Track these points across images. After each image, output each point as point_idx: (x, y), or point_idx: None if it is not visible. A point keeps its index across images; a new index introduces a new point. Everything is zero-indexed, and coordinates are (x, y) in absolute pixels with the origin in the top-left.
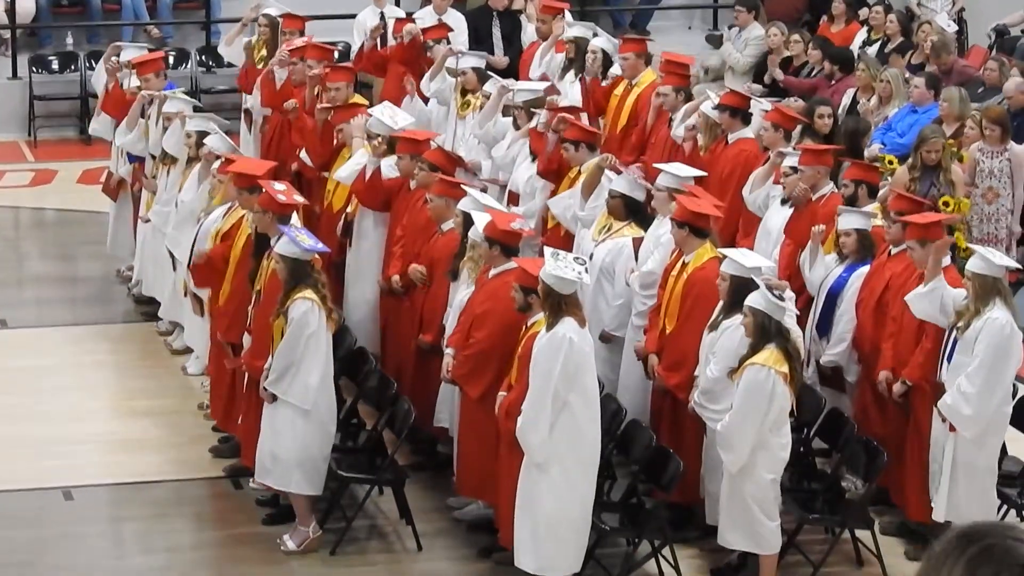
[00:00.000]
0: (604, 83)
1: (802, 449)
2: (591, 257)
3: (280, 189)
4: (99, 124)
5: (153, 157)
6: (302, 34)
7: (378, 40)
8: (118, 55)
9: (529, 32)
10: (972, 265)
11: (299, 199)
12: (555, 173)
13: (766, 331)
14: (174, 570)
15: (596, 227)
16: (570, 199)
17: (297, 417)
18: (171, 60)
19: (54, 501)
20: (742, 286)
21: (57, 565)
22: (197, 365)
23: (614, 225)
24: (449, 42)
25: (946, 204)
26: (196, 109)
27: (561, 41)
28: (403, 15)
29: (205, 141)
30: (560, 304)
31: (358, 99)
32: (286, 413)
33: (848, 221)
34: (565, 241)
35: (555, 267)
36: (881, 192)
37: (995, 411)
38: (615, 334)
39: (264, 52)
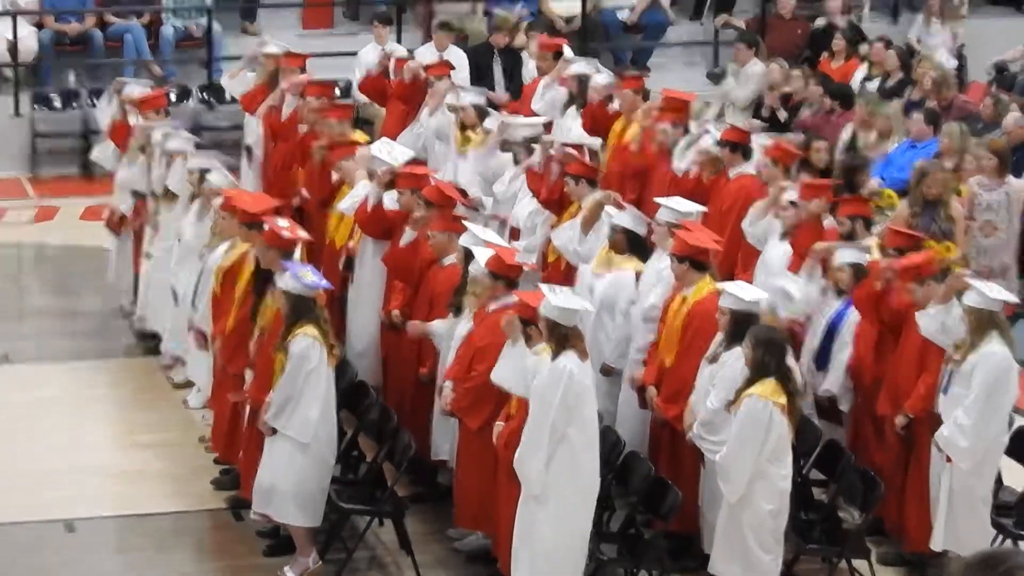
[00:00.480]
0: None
1: (800, 479)
2: (591, 291)
3: (284, 225)
4: (101, 152)
5: (155, 194)
6: (303, 71)
7: (387, 67)
8: (120, 91)
9: (530, 68)
10: (968, 299)
11: (303, 235)
12: (557, 204)
13: (767, 365)
14: None
15: (596, 261)
16: (571, 231)
17: (296, 450)
18: (173, 97)
19: (56, 533)
20: (742, 319)
21: None
22: (198, 399)
23: (614, 259)
24: (451, 79)
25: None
26: (197, 146)
27: (564, 77)
28: (404, 52)
29: (207, 178)
30: (566, 336)
31: (357, 136)
32: (285, 446)
33: (843, 256)
34: (566, 275)
35: (557, 299)
36: (881, 228)
37: (991, 443)
38: (615, 367)
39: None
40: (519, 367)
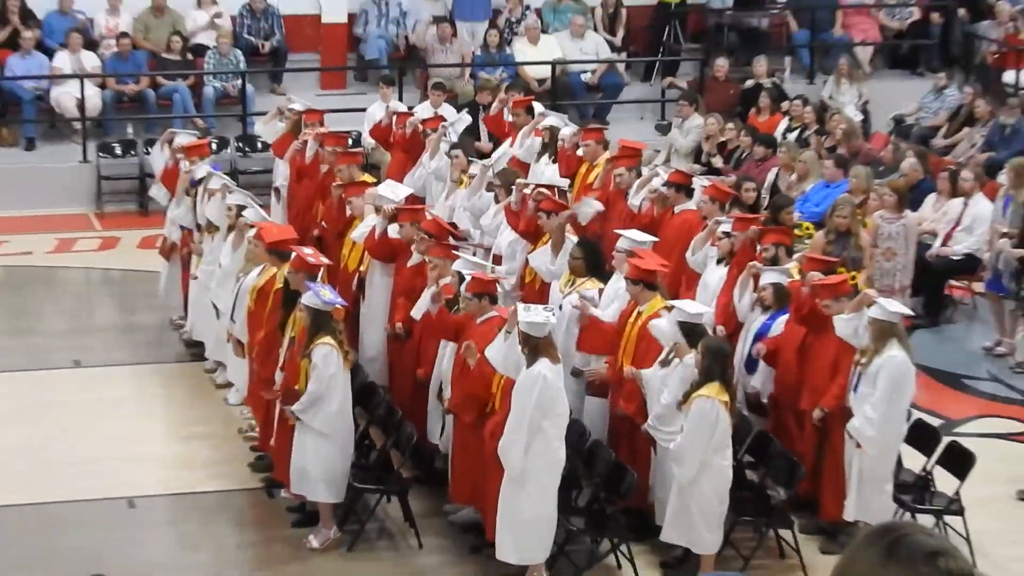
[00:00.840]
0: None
1: (736, 463)
2: (560, 307)
3: (309, 253)
4: (156, 191)
5: (199, 226)
6: (321, 124)
7: (392, 120)
8: (171, 141)
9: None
10: (872, 312)
11: (325, 260)
12: (532, 235)
13: (713, 370)
14: (219, 566)
15: (562, 281)
16: (544, 255)
17: (321, 440)
18: (214, 146)
19: (119, 509)
20: (689, 330)
21: (122, 562)
22: (237, 397)
23: (577, 280)
24: (445, 130)
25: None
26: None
27: (538, 129)
28: (405, 108)
29: (243, 213)
30: (537, 346)
31: (366, 178)
32: (313, 437)
33: (767, 277)
34: (540, 293)
35: (528, 316)
36: (800, 255)
37: (893, 432)
38: (583, 370)
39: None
40: (511, 354)
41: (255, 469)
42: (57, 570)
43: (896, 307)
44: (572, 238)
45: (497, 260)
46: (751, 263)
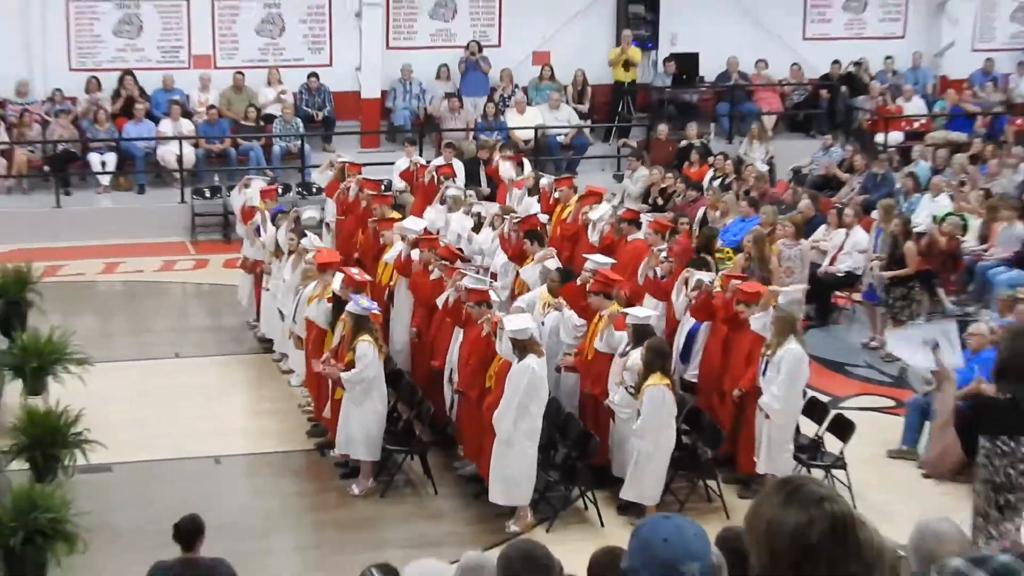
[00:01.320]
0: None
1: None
2: (543, 323)
3: (356, 272)
4: (240, 229)
5: (269, 250)
6: (360, 173)
7: (415, 169)
8: (247, 186)
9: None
10: (776, 312)
11: (367, 278)
12: (519, 257)
13: (655, 364)
14: (284, 509)
15: (539, 304)
16: (533, 271)
17: (363, 412)
18: (280, 190)
19: (209, 465)
20: (640, 330)
21: (210, 506)
22: (297, 380)
23: (550, 299)
24: (455, 177)
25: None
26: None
27: (520, 180)
28: (424, 162)
29: (301, 241)
30: (524, 346)
31: (394, 215)
32: (356, 409)
33: (695, 280)
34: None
35: (511, 324)
36: (721, 273)
37: (793, 407)
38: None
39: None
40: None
41: (311, 435)
42: (160, 512)
43: (788, 296)
44: (549, 265)
45: (494, 276)
46: (685, 268)
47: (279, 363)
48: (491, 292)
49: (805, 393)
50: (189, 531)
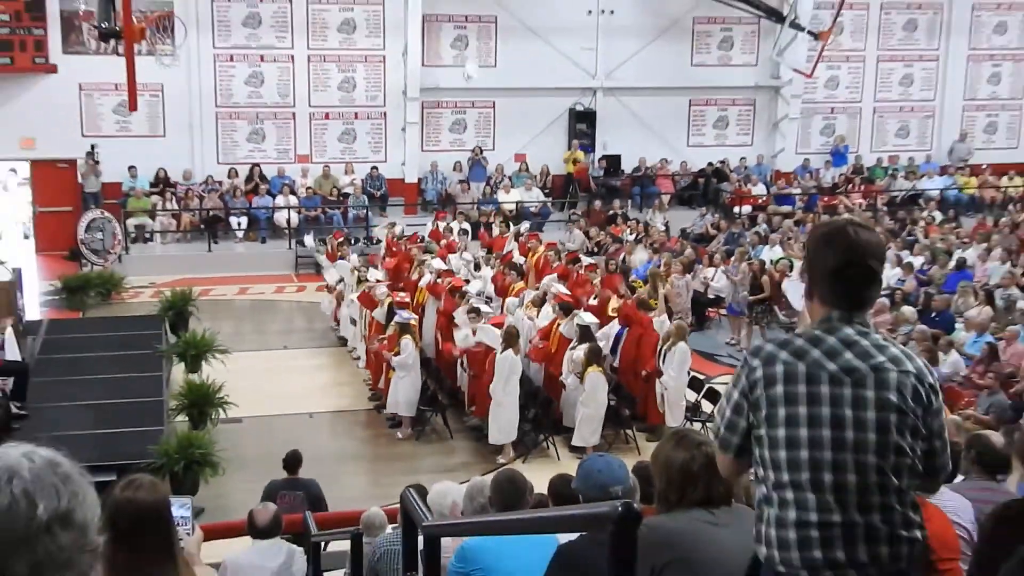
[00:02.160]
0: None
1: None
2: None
3: (403, 295)
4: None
5: (343, 280)
6: (402, 230)
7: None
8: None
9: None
10: (668, 324)
11: (407, 300)
12: (502, 290)
13: (592, 358)
14: (355, 448)
15: (523, 309)
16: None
17: (404, 384)
18: (352, 241)
19: (304, 420)
20: (584, 330)
21: (305, 446)
22: (362, 363)
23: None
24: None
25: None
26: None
27: (505, 236)
28: (441, 226)
29: (367, 276)
30: (507, 340)
31: (425, 257)
32: (400, 383)
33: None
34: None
35: (482, 335)
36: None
37: (681, 382)
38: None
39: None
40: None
41: (371, 399)
42: (272, 449)
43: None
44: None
45: (489, 298)
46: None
47: (350, 353)
48: (483, 306)
49: (689, 373)
50: (292, 461)
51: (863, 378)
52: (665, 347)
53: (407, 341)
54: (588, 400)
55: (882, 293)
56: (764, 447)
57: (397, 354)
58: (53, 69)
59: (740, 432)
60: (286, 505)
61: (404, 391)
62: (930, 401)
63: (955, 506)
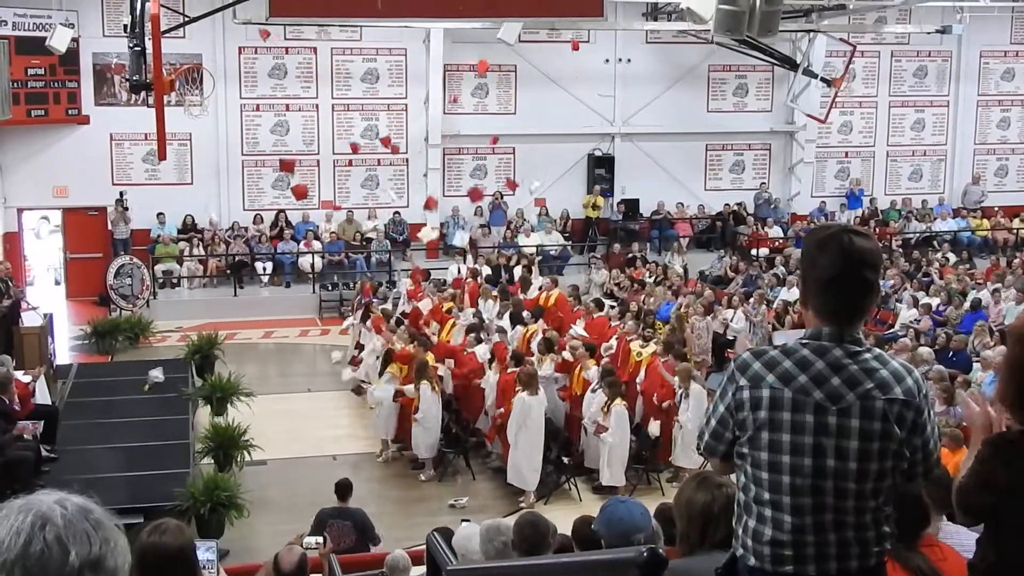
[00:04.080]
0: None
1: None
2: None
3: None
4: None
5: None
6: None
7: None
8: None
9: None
10: (682, 368)
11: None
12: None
13: (615, 391)
14: (379, 488)
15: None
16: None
17: (425, 430)
18: (374, 286)
19: (327, 462)
20: (606, 371)
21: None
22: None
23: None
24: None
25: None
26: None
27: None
28: (467, 267)
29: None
30: (526, 383)
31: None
32: (421, 428)
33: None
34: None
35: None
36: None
37: (699, 423)
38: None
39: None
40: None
41: (394, 441)
42: (297, 491)
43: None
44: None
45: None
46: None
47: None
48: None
49: (706, 413)
50: (344, 488)
51: (848, 407)
52: (681, 391)
53: (425, 388)
54: (615, 434)
55: (899, 334)
56: (747, 463)
57: (416, 409)
58: (85, 120)
59: (726, 442)
60: (335, 533)
61: (424, 434)
62: (915, 424)
63: (970, 545)
